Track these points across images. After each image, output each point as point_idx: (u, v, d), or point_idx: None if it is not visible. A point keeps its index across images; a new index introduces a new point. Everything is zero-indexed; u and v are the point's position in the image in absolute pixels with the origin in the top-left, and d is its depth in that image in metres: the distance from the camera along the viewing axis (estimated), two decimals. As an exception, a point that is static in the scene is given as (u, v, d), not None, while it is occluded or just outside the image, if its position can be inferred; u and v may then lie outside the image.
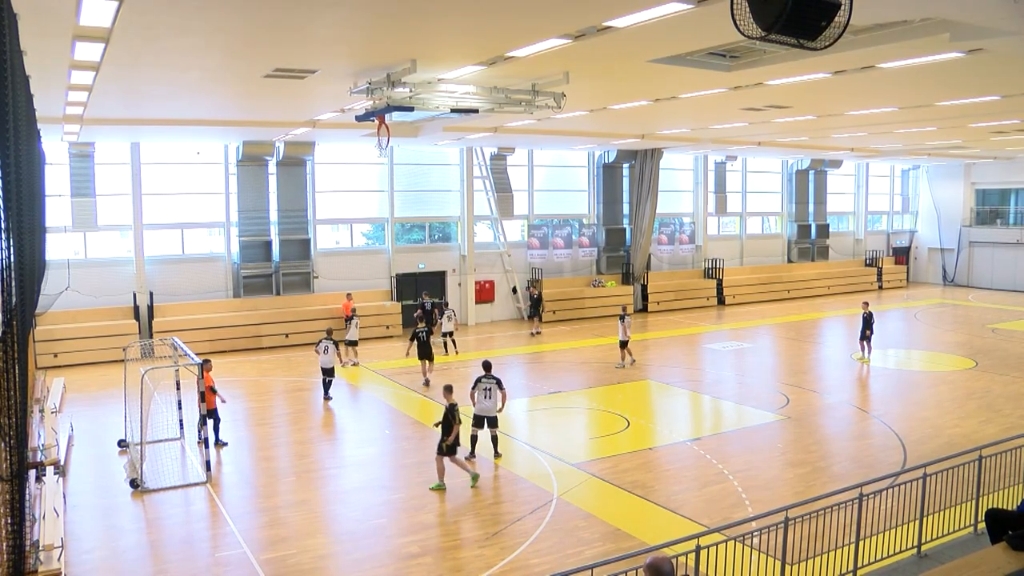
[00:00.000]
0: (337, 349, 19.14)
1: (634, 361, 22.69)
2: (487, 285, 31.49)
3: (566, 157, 33.49)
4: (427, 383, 20.36)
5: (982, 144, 30.42)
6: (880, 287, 41.92)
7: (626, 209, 34.44)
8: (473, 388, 14.62)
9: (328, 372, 19.09)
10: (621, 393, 19.66)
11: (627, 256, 34.39)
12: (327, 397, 18.95)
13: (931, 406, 18.00)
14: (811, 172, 40.01)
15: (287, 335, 26.04)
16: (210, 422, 15.10)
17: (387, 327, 28.03)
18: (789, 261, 40.39)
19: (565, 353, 23.81)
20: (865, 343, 23.27)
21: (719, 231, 38.65)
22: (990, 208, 43.12)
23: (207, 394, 14.36)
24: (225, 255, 26.87)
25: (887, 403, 18.41)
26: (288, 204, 27.28)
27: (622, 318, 22.56)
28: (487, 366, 14.87)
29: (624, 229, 34.38)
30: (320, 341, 19.35)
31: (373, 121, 15.11)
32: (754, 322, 30.93)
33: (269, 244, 27.04)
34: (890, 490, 9.88)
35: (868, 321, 23.26)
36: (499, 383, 14.53)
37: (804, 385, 20.21)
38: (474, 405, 14.61)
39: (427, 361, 20.71)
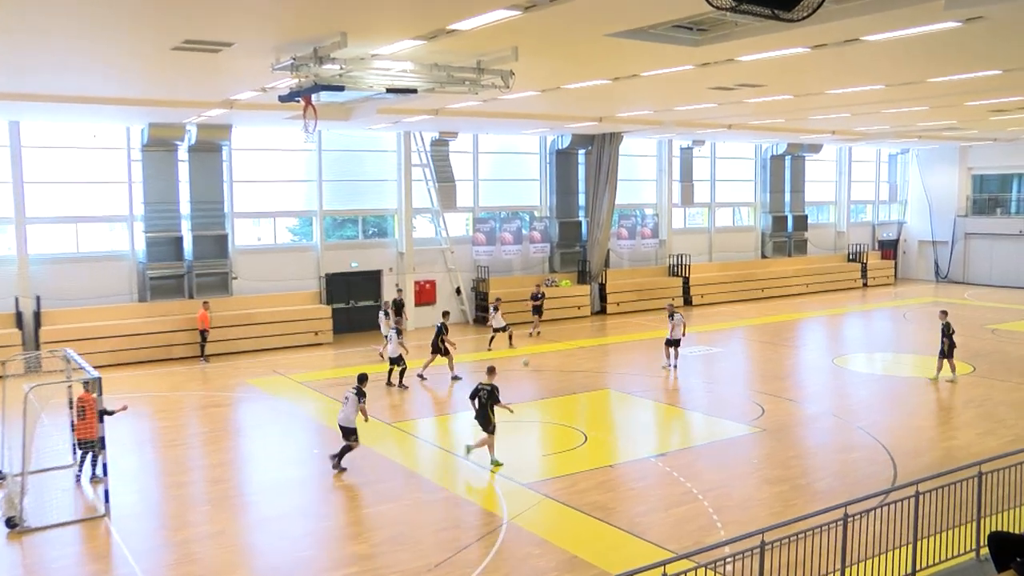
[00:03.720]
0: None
1: (675, 366, 23.05)
2: (428, 285, 31.35)
3: (515, 143, 33.46)
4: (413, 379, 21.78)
5: (980, 124, 30.98)
6: (865, 284, 42.74)
7: (582, 200, 34.54)
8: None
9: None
10: (578, 404, 19.64)
11: (583, 252, 34.48)
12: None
13: (924, 416, 18.34)
14: (787, 158, 40.63)
15: (205, 355, 25.45)
16: (90, 450, 14.35)
17: (316, 333, 27.71)
18: (763, 256, 41.00)
19: (515, 360, 23.72)
20: (947, 360, 21.50)
21: (685, 224, 39.01)
22: (988, 196, 43.83)
23: (90, 418, 13.72)
24: (128, 253, 26.23)
25: (874, 413, 18.70)
26: (202, 195, 26.73)
27: (671, 315, 23.12)
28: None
29: (580, 222, 34.46)
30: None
31: (298, 102, 14.92)
32: (725, 324, 31.26)
33: (180, 241, 26.46)
34: (879, 510, 9.94)
35: (946, 332, 21.54)
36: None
37: (781, 394, 20.43)
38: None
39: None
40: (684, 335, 23.28)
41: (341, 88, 14.03)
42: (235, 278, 27.61)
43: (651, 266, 37.00)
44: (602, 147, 33.18)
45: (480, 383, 15.54)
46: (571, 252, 34.42)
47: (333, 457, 15.07)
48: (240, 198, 27.90)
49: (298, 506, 13.46)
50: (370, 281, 30.40)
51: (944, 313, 22.29)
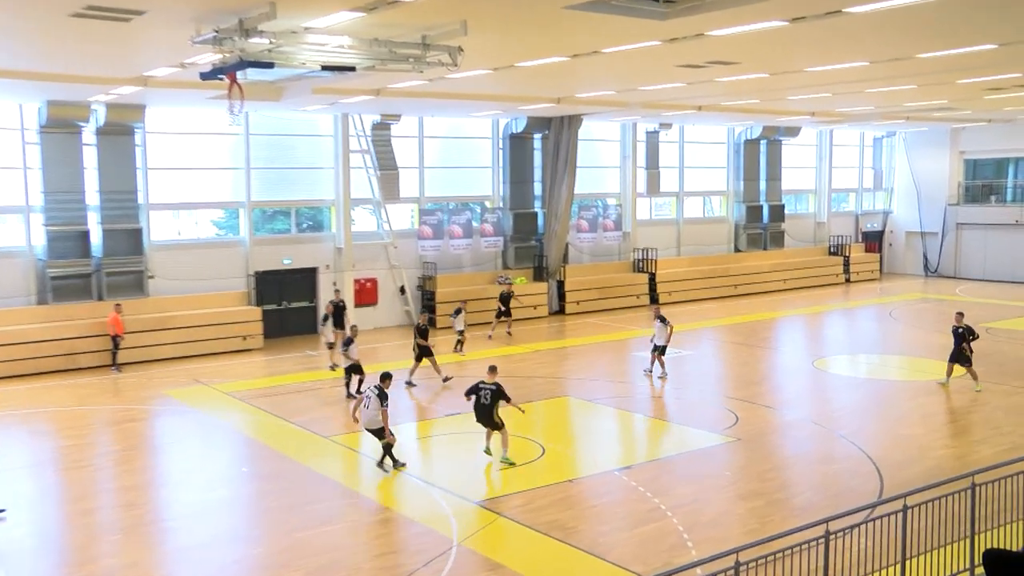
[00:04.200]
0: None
1: (662, 375, 22.87)
2: (368, 284, 31.16)
3: (465, 127, 33.35)
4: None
5: (973, 104, 31.37)
6: (847, 280, 43.35)
7: (538, 189, 34.54)
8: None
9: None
10: (535, 414, 19.61)
11: (540, 247, 34.49)
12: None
13: (913, 423, 18.58)
14: (763, 142, 41.12)
15: (117, 364, 24.96)
16: None
17: (244, 338, 27.40)
18: (736, 250, 41.41)
19: (465, 366, 23.64)
20: (966, 366, 21.02)
21: (651, 215, 39.21)
22: (982, 182, 44.49)
23: None
24: (25, 249, 25.64)
25: (858, 419, 18.93)
26: (112, 184, 26.22)
27: (663, 320, 23.03)
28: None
29: (536, 214, 34.48)
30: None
31: (222, 80, 14.70)
32: (695, 324, 31.49)
33: (87, 235, 25.93)
34: (864, 526, 10.01)
35: (962, 337, 20.97)
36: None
37: (757, 399, 20.61)
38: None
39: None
40: (668, 341, 23.00)
41: (270, 65, 13.85)
42: (151, 277, 27.12)
43: (614, 261, 37.12)
44: (560, 131, 33.20)
45: (481, 382, 16.14)
46: (526, 247, 34.39)
47: (379, 465, 15.73)
48: (156, 187, 27.39)
49: (224, 532, 13.27)
50: (305, 279, 30.09)
51: (960, 315, 21.51)
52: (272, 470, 16.02)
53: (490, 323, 29.81)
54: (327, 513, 13.73)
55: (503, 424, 15.97)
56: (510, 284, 31.62)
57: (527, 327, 30.53)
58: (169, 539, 13.05)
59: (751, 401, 20.39)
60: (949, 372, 21.35)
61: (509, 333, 29.36)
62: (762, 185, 41.46)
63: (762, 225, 41.63)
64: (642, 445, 18.14)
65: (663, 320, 23.00)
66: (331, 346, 24.69)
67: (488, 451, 16.15)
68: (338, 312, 26.06)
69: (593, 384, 22.54)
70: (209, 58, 15.28)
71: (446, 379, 22.11)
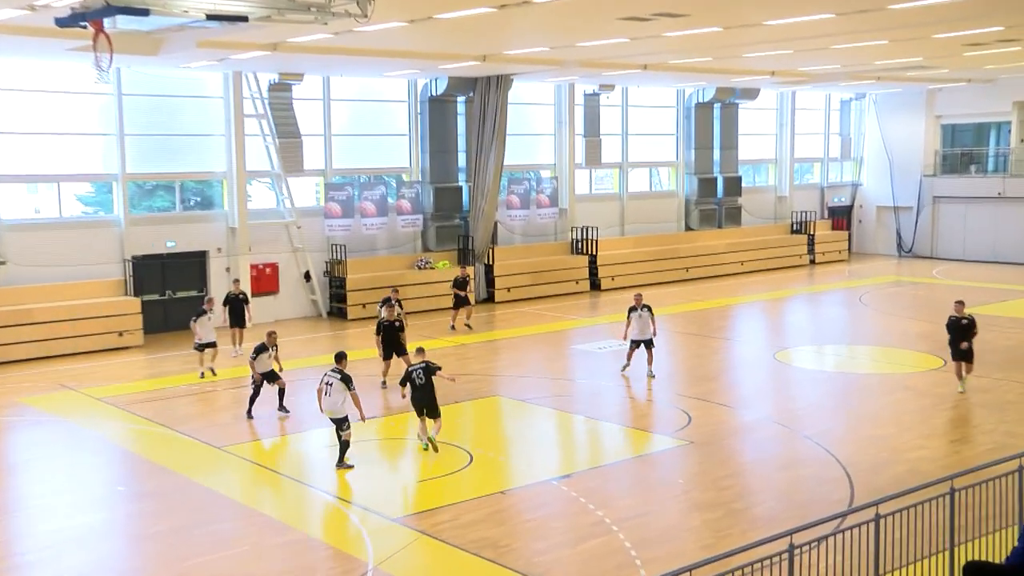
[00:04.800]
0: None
1: (652, 374, 22.41)
2: (268, 270, 30.85)
3: (378, 88, 33.16)
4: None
5: (951, 62, 31.93)
6: (812, 261, 44.10)
7: (462, 161, 34.48)
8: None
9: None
10: (460, 416, 19.58)
11: (464, 226, 34.45)
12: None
13: (885, 421, 18.87)
14: (716, 106, 41.54)
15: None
16: None
17: (121, 334, 26.96)
18: (688, 228, 41.83)
19: (378, 362, 23.47)
20: (962, 364, 20.65)
21: (591, 189, 39.39)
22: (961, 150, 45.31)
23: None
24: None
25: (825, 419, 19.21)
26: (-45, 153, 25.50)
27: (638, 308, 22.31)
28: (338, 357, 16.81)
29: (460, 188, 34.41)
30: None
31: (85, 28, 14.24)
32: (640, 313, 31.67)
33: (-74, 214, 25.21)
34: (833, 539, 10.12)
35: (968, 328, 20.58)
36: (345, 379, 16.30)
37: (711, 397, 20.81)
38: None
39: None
40: (655, 333, 22.65)
41: (145, 12, 13.46)
42: (3, 263, 26.56)
43: (549, 242, 37.20)
44: (486, 94, 33.12)
45: (409, 366, 17.23)
46: (449, 226, 34.32)
47: (338, 465, 16.17)
48: (7, 156, 26.79)
49: (94, 564, 12.95)
50: (192, 265, 29.70)
51: (961, 304, 21.06)
52: (155, 488, 15.72)
53: (415, 315, 29.47)
54: (222, 536, 13.53)
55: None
56: (464, 267, 31.25)
57: (449, 317, 30.40)
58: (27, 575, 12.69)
59: (705, 399, 20.56)
60: (960, 373, 20.60)
61: (468, 325, 28.92)
62: (716, 155, 41.93)
63: (716, 200, 42.12)
64: (583, 451, 18.19)
65: (649, 310, 22.43)
66: (203, 348, 23.02)
67: (427, 445, 16.74)
68: (237, 307, 25.59)
69: (527, 382, 22.54)
70: (66, 1, 14.83)
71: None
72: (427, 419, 16.92)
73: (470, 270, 31.33)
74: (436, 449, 16.56)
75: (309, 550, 13.17)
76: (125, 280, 28.22)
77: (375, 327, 22.24)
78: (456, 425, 18.78)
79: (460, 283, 29.13)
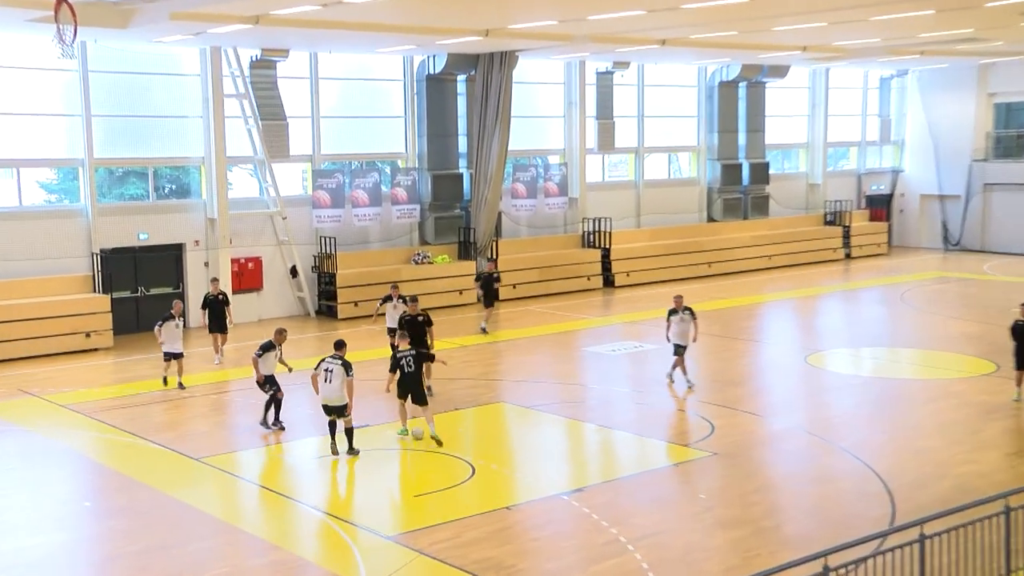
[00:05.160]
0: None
1: (690, 384, 21.86)
2: (251, 264, 30.85)
3: (369, 65, 33.19)
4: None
5: (1006, 33, 31.54)
6: (848, 256, 43.92)
7: (463, 145, 34.44)
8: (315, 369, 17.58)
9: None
10: (461, 424, 19.55)
11: (466, 217, 34.40)
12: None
13: (929, 432, 18.75)
14: (742, 85, 41.44)
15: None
16: None
17: (88, 335, 26.97)
18: (710, 220, 41.81)
19: (374, 365, 23.40)
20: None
21: (604, 176, 39.33)
22: (1018, 131, 44.53)
23: None
24: None
25: (863, 428, 19.07)
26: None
27: (680, 310, 21.80)
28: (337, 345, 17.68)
29: (460, 176, 34.38)
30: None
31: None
32: (658, 312, 31.43)
33: None
34: (872, 561, 10.03)
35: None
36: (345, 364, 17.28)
37: (737, 404, 20.71)
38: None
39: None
40: (695, 339, 22.19)
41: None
42: (-37, 256, 26.63)
43: (558, 234, 37.16)
44: (489, 72, 33.06)
45: (397, 352, 18.15)
46: (449, 217, 34.28)
47: (349, 452, 17.26)
48: (-33, 141, 26.84)
49: (62, 584, 12.89)
50: (168, 260, 29.75)
51: None
52: (126, 504, 15.67)
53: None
54: (200, 557, 13.47)
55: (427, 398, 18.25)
56: (492, 261, 30.69)
57: (450, 317, 30.37)
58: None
59: (730, 406, 20.46)
60: (1022, 381, 20.26)
61: (484, 330, 28.34)
62: (741, 139, 41.85)
63: (741, 188, 42.05)
64: (595, 462, 18.11)
65: (691, 313, 21.92)
66: (170, 359, 22.30)
67: (406, 432, 18.06)
68: (217, 309, 25.02)
69: (534, 387, 22.46)
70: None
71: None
72: (415, 405, 18.04)
73: (490, 265, 30.49)
74: (440, 443, 17.55)
75: (295, 572, 13.12)
76: (93, 276, 28.19)
77: (397, 323, 21.50)
78: (457, 434, 18.72)
79: (487, 281, 28.57)
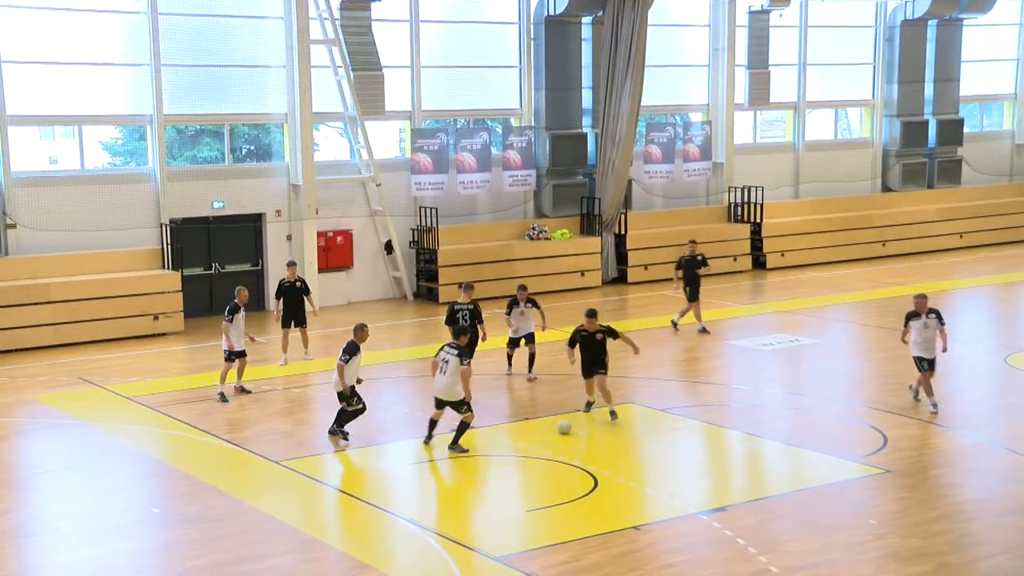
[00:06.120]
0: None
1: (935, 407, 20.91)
2: (339, 239, 31.27)
3: (478, 5, 33.39)
4: None
5: None
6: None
7: (587, 100, 34.43)
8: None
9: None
10: (581, 429, 19.56)
11: (590, 185, 34.40)
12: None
13: None
14: (931, 23, 40.66)
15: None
16: None
17: (156, 317, 27.60)
18: (886, 189, 41.30)
19: (482, 356, 23.57)
20: None
21: (755, 137, 39.04)
22: None
23: None
24: None
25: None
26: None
27: (926, 313, 20.70)
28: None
29: (584, 136, 34.43)
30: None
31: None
32: (820, 300, 31.35)
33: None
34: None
35: None
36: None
37: (916, 412, 20.44)
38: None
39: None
40: (945, 349, 21.05)
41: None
42: (11, 226, 27.43)
43: (699, 206, 37.07)
44: (620, 12, 32.98)
45: (455, 302, 21.31)
46: (570, 185, 34.39)
47: (451, 447, 17.97)
48: (16, 91, 27.51)
49: (125, 601, 13.23)
50: (245, 232, 30.33)
51: None
52: (196, 511, 15.94)
53: (507, 297, 29.10)
54: (279, 573, 13.70)
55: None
56: (693, 242, 28.51)
57: (570, 302, 30.42)
58: (45, 612, 13.05)
59: (907, 415, 20.21)
60: None
61: (705, 329, 27.19)
62: (928, 90, 41.14)
63: (926, 151, 41.42)
64: (741, 477, 18.02)
65: (938, 317, 20.99)
66: (233, 358, 21.77)
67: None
68: (294, 298, 24.62)
69: (667, 386, 22.50)
70: None
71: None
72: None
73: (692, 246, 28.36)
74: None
75: (390, 593, 13.25)
76: (162, 250, 28.74)
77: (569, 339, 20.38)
78: (576, 440, 18.75)
79: (689, 264, 27.33)
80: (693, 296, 27.09)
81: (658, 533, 14.92)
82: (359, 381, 18.69)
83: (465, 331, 20.08)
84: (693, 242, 28.48)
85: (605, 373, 19.72)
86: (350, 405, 18.27)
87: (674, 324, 27.39)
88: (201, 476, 17.42)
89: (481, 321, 21.91)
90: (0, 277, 26.56)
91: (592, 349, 19.74)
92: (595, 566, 13.68)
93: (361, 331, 18.62)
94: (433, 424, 18.22)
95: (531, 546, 14.50)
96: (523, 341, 23.20)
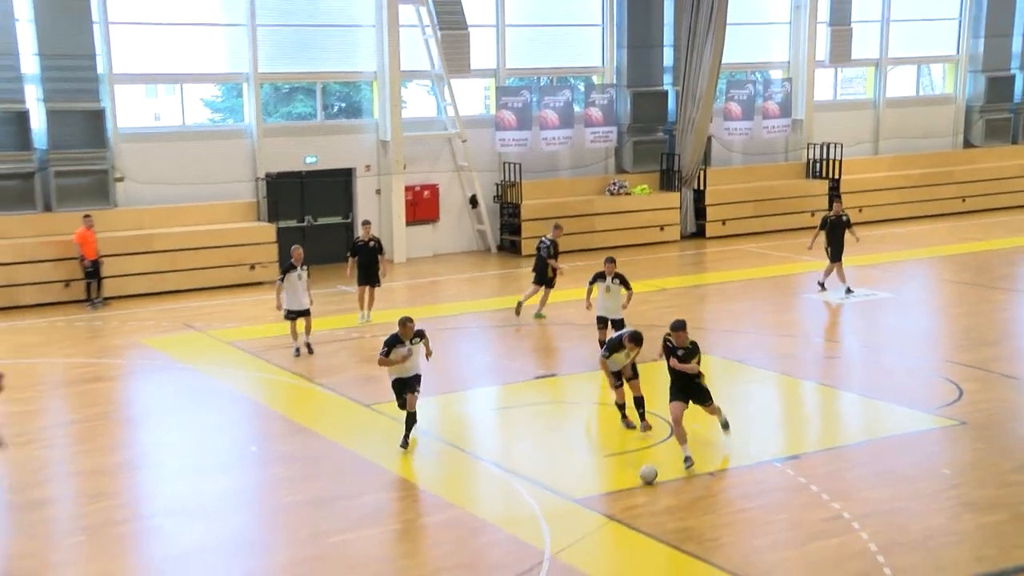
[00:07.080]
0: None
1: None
2: (426, 193, 31.39)
3: (563, -35, 33.12)
4: None
5: None
6: None
7: (669, 58, 34.24)
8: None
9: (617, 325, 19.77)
10: (660, 378, 19.54)
11: (670, 142, 34.26)
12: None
13: None
14: (1019, -27, 39.60)
15: (95, 298, 25.68)
16: None
17: (253, 267, 27.94)
18: (967, 145, 40.59)
19: (562, 308, 23.70)
20: None
21: (836, 94, 38.56)
22: None
23: None
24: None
25: None
26: (58, 45, 26.58)
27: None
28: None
29: (665, 93, 34.27)
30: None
31: None
32: (899, 255, 31.05)
33: (24, 118, 26.48)
34: None
35: None
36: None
37: (992, 366, 20.15)
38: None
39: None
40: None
41: None
42: (120, 179, 27.71)
43: (778, 162, 36.73)
44: (703, -30, 32.77)
45: (545, 237, 23.47)
46: (650, 141, 34.24)
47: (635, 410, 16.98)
48: (123, 52, 27.74)
49: (225, 536, 13.49)
50: (336, 186, 30.51)
51: None
52: (292, 450, 16.22)
53: (588, 252, 29.04)
54: (370, 511, 13.90)
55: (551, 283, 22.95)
56: (838, 200, 27.11)
57: (651, 256, 30.46)
58: (152, 544, 13.32)
59: (984, 368, 19.94)
60: None
61: (850, 289, 25.59)
62: (1016, 44, 40.27)
63: (1012, 106, 40.70)
64: (815, 426, 17.98)
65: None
66: (295, 317, 21.01)
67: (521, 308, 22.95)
68: (368, 257, 23.51)
69: (744, 338, 22.42)
70: None
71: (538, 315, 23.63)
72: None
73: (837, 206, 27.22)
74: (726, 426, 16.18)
75: (472, 533, 13.33)
76: (257, 202, 29.12)
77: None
78: (655, 388, 18.76)
79: (834, 223, 26.01)
80: (836, 256, 25.74)
81: (732, 479, 15.01)
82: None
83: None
84: (838, 202, 27.66)
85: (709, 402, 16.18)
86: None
87: (821, 285, 25.95)
88: (296, 418, 17.74)
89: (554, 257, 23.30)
90: (109, 227, 26.86)
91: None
92: (671, 509, 13.76)
93: (406, 324, 16.00)
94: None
95: (609, 489, 14.64)
96: (610, 324, 20.26)
